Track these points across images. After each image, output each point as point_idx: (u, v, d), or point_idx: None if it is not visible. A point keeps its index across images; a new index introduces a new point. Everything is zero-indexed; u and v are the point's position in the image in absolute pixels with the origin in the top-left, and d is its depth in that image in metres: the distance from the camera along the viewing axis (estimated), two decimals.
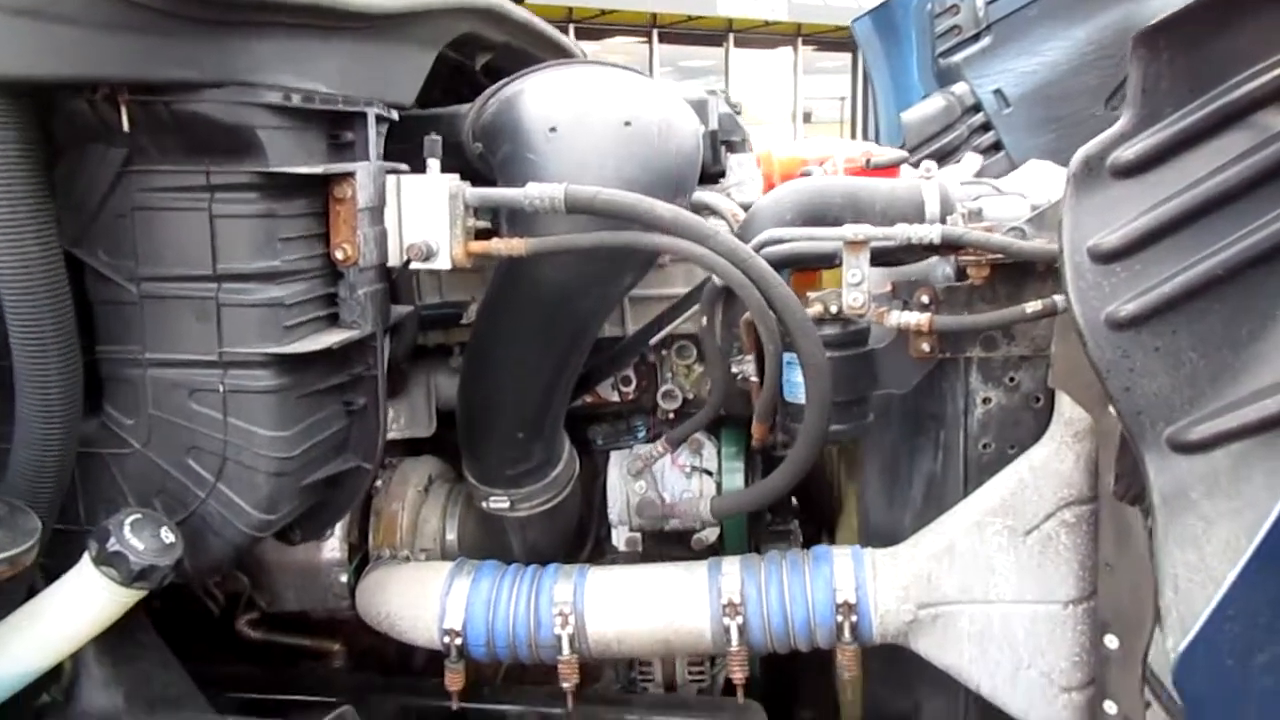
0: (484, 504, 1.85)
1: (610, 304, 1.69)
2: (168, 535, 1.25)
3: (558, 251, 1.46)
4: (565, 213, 1.41)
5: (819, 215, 1.63)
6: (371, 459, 1.52)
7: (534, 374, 1.69)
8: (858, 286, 1.49)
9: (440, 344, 2.00)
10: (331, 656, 2.12)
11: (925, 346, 1.57)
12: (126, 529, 1.21)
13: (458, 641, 1.64)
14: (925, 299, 1.54)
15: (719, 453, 1.94)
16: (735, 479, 1.91)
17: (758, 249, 1.51)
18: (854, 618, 1.56)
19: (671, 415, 2.03)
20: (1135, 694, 1.54)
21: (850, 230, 1.46)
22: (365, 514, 1.99)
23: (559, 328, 1.63)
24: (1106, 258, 1.16)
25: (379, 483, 2.02)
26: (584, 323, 1.65)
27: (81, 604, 1.22)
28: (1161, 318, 1.13)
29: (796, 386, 1.59)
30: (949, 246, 1.48)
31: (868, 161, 2.20)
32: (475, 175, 1.59)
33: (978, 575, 1.57)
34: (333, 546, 1.92)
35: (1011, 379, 1.60)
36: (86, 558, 1.22)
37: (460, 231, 1.45)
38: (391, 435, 2.04)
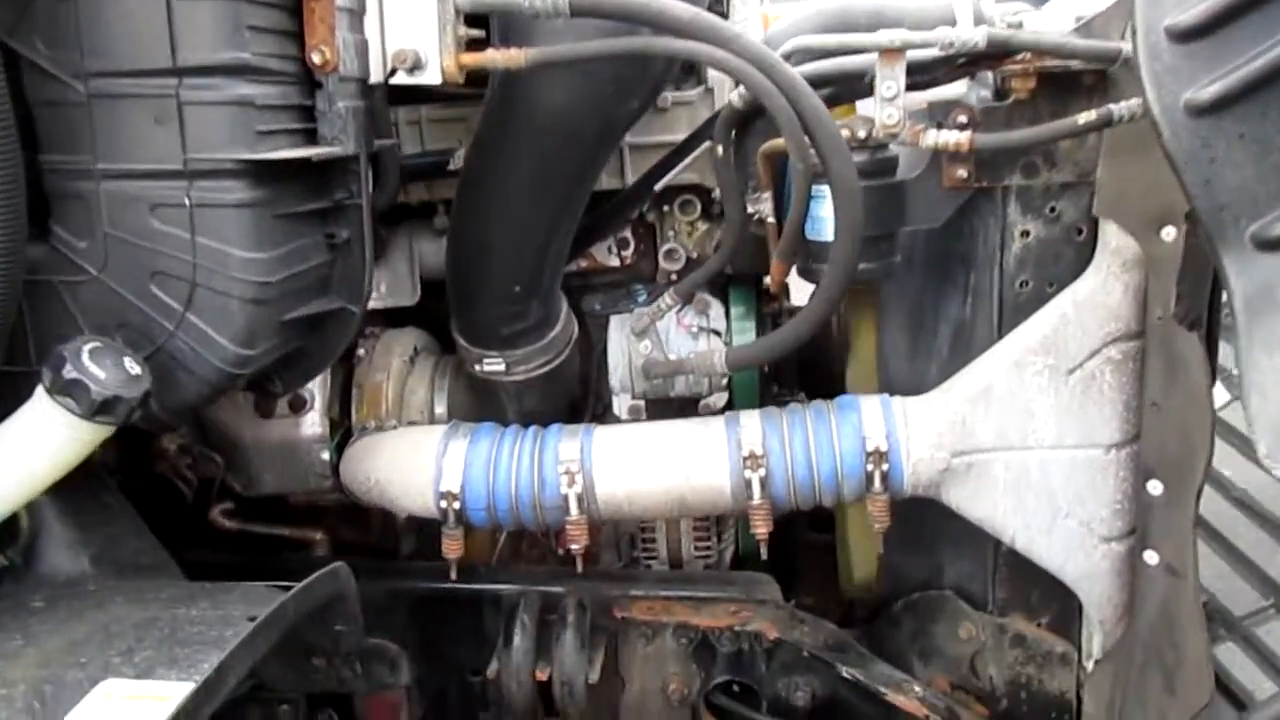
0: (476, 367, 1.71)
1: (616, 133, 1.54)
2: (133, 366, 1.10)
3: (562, 63, 1.31)
4: (569, 16, 1.25)
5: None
6: (357, 301, 1.37)
7: (531, 217, 1.54)
8: (892, 101, 1.35)
9: (423, 201, 1.84)
10: (313, 546, 1.99)
11: (961, 173, 1.44)
12: (85, 356, 1.06)
13: (455, 505, 1.51)
14: (963, 119, 1.41)
15: (728, 313, 1.81)
16: (746, 340, 1.78)
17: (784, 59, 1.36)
18: (885, 466, 1.45)
19: (674, 277, 1.89)
20: (1180, 542, 1.45)
21: (886, 36, 1.32)
22: (346, 387, 1.85)
23: (559, 162, 1.49)
24: (1186, 36, 1.02)
25: (360, 353, 1.87)
26: (586, 156, 1.50)
27: (37, 441, 1.07)
28: (1248, 100, 1.01)
29: (821, 222, 1.46)
30: (994, 55, 1.34)
31: None
32: None
33: (1015, 419, 1.47)
34: (313, 421, 1.79)
35: (1052, 209, 1.48)
36: (40, 389, 1.07)
37: (451, 40, 1.29)
38: (372, 305, 1.89)
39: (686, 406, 1.85)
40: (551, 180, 1.50)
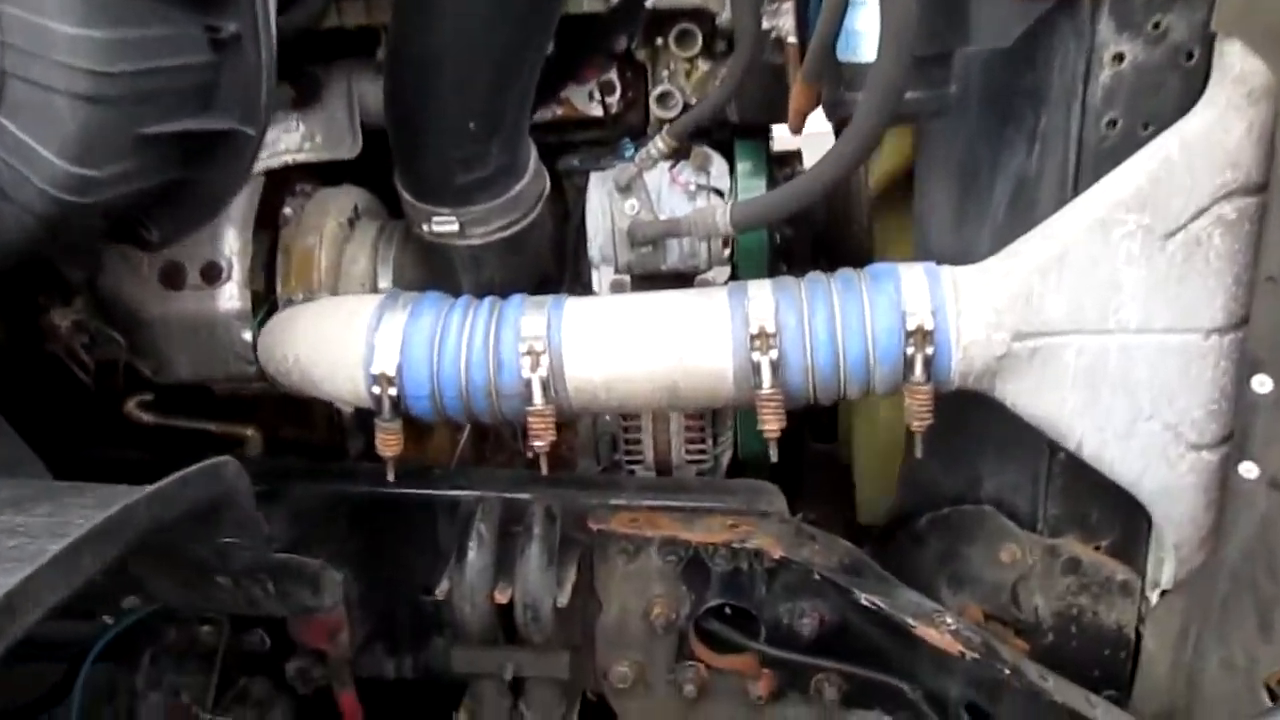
0: (424, 227, 1.40)
1: None
2: None
3: None
4: None
5: None
6: (253, 121, 1.05)
7: (489, 29, 1.21)
8: None
9: (363, 27, 1.50)
10: (245, 444, 1.70)
11: None
12: None
13: (391, 391, 1.22)
14: None
15: (732, 170, 1.49)
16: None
17: None
18: (929, 350, 1.15)
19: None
20: None
21: None
22: (272, 254, 1.54)
23: None
24: None
25: (288, 212, 1.56)
26: None
27: None
28: None
29: (858, 38, 1.13)
30: None
31: None
32: None
33: (1095, 294, 1.16)
34: (230, 294, 1.48)
35: (1156, 25, 1.15)
36: None
37: None
38: (304, 157, 1.57)
39: (680, 284, 1.55)
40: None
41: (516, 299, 1.26)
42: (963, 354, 1.16)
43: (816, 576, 1.38)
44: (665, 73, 1.55)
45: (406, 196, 1.41)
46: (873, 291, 1.18)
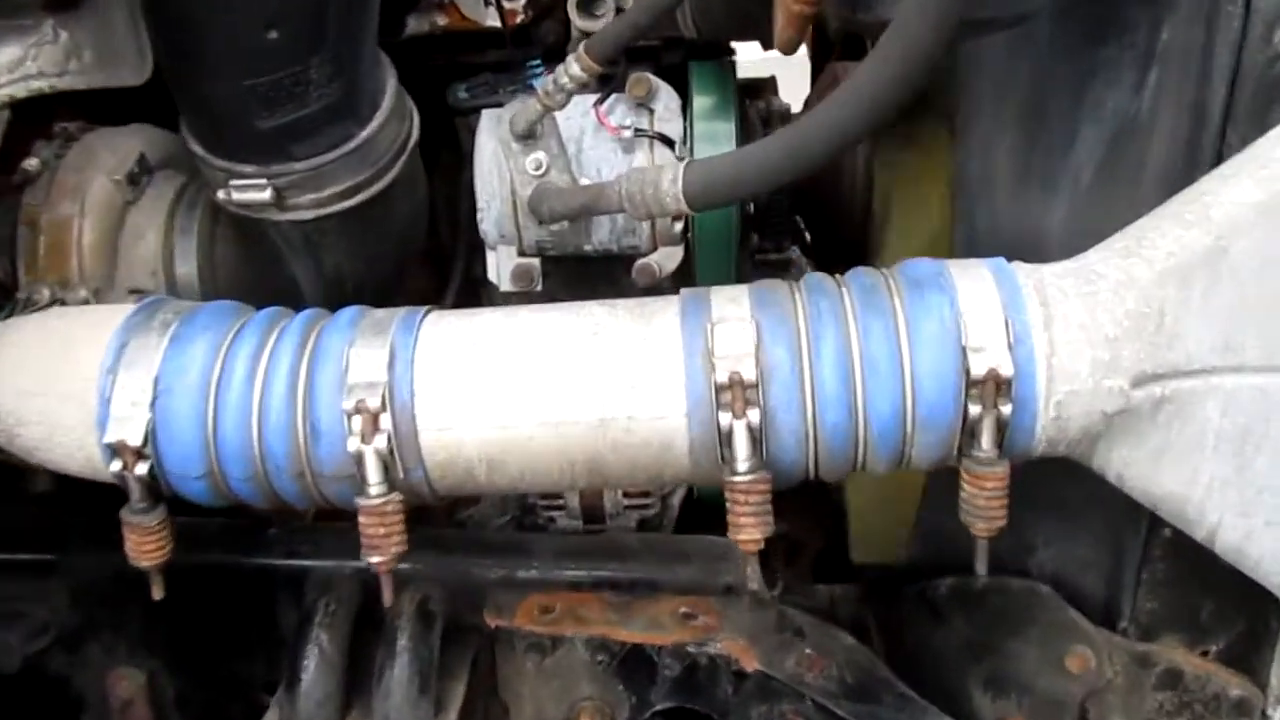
0: (221, 194, 0.92)
1: None
2: None
3: None
4: None
5: None
6: None
7: None
8: None
9: None
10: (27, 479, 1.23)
11: None
12: None
13: (141, 469, 0.75)
14: None
15: (686, 107, 1.03)
16: (719, 148, 1.00)
17: None
18: (1005, 407, 0.71)
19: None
20: None
21: None
22: (11, 227, 1.06)
23: None
24: None
25: (33, 162, 1.07)
26: None
27: None
28: None
29: None
30: None
31: None
32: None
33: (1264, 316, 0.73)
34: None
35: None
36: None
37: None
38: (66, 83, 1.07)
39: (612, 271, 1.09)
40: None
41: (344, 318, 0.79)
42: (1056, 412, 0.72)
43: (809, 701, 0.96)
44: None
45: (193, 145, 0.93)
46: (914, 309, 0.73)
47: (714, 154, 1.00)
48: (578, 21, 1.08)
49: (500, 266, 1.06)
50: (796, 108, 1.24)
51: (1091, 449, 0.77)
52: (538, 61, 1.13)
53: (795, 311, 0.74)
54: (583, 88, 0.87)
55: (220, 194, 0.92)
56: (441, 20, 1.12)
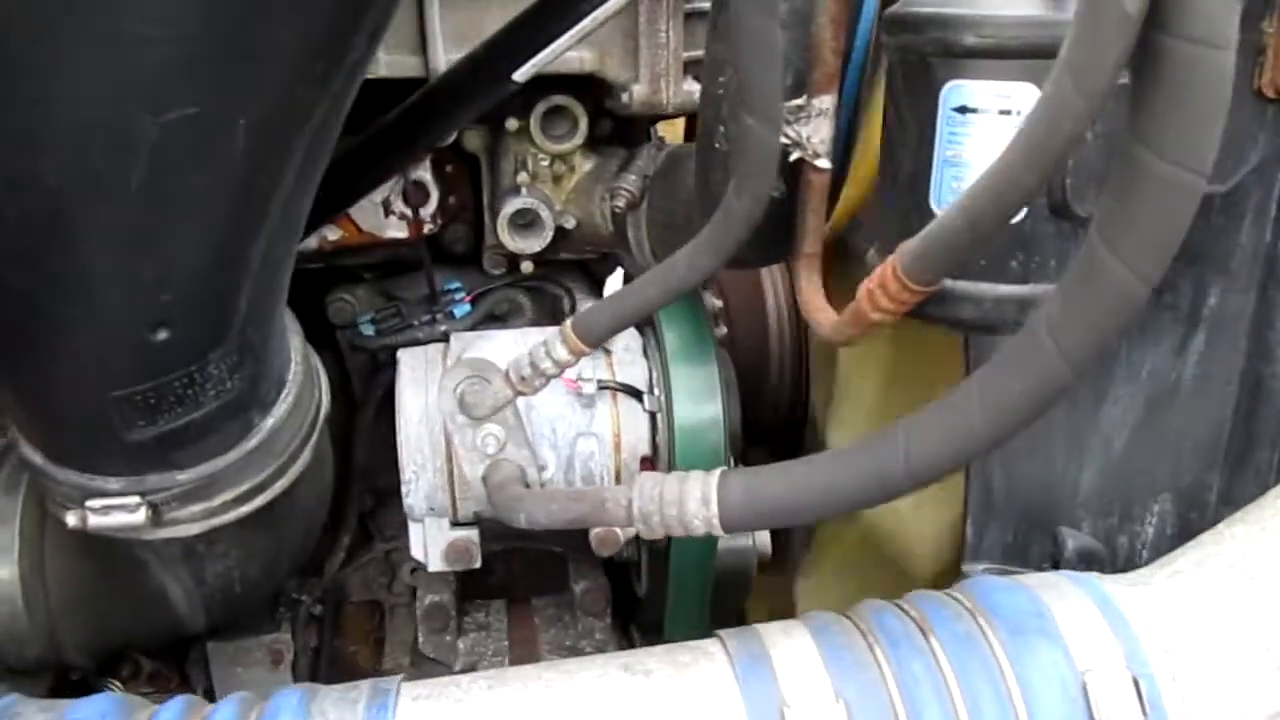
0: (73, 520, 0.68)
1: None
2: None
3: None
4: None
5: None
6: None
7: (196, 154, 0.52)
8: None
9: None
10: None
11: None
12: None
13: None
14: None
15: (658, 346, 0.87)
16: (701, 411, 0.85)
17: None
18: None
19: (529, 266, 0.93)
20: None
21: None
22: None
23: None
24: None
25: None
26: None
27: None
28: None
29: (961, 172, 0.56)
30: None
31: None
32: None
33: None
34: None
35: None
36: None
37: None
38: None
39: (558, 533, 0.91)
40: (236, 25, 0.49)
41: (287, 707, 0.57)
42: None
43: None
44: (522, 174, 0.90)
45: (28, 452, 0.69)
46: (1023, 668, 0.59)
47: (700, 408, 0.85)
48: (510, 242, 0.92)
49: (428, 542, 0.86)
50: None
51: None
52: (458, 285, 0.95)
53: (884, 680, 0.59)
54: (559, 371, 0.70)
55: (70, 518, 0.68)
56: (333, 235, 0.93)
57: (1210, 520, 0.74)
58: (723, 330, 1.10)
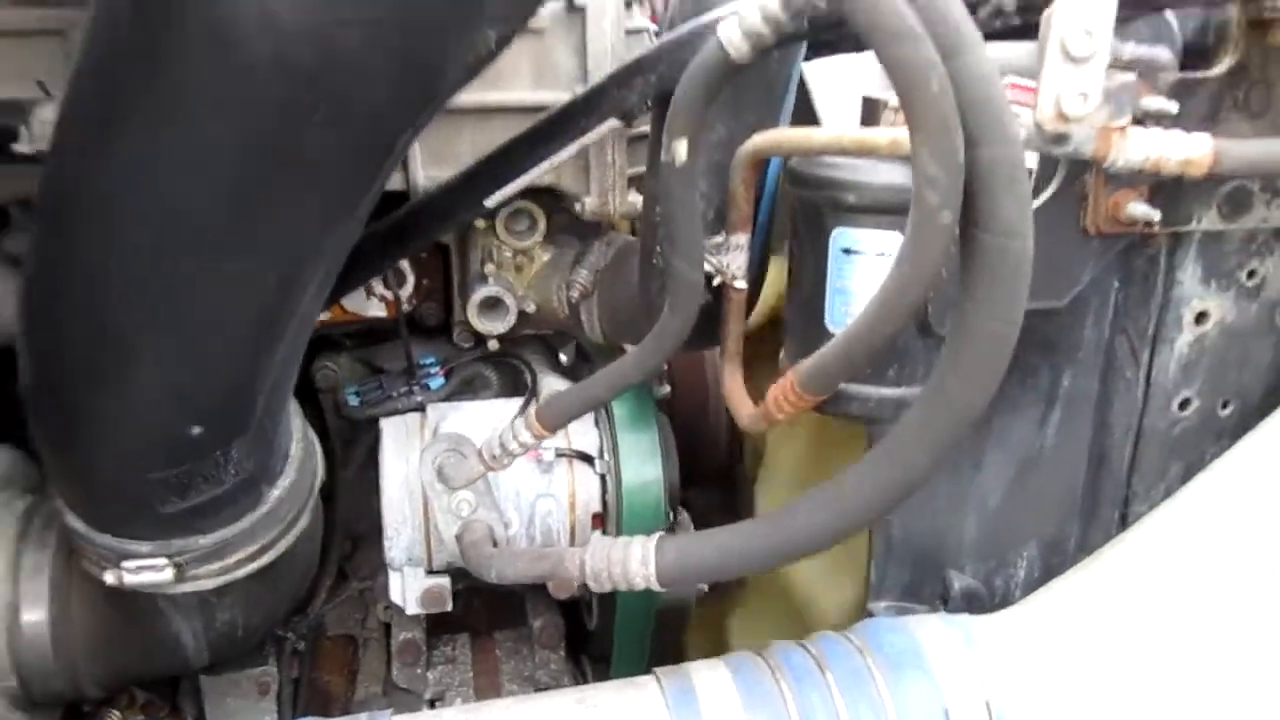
0: (109, 577, 0.81)
1: (434, 100, 0.68)
2: None
3: None
4: None
5: None
6: None
7: (231, 288, 0.65)
8: (1086, 65, 0.60)
9: None
10: None
11: (1137, 210, 0.73)
12: None
13: None
14: (1166, 104, 0.69)
15: (607, 417, 1.01)
16: (644, 472, 0.99)
17: None
18: None
19: (494, 343, 1.07)
20: None
21: None
22: None
23: (301, 171, 0.61)
24: None
25: None
26: (365, 152, 0.63)
27: None
28: None
29: (850, 299, 0.71)
30: None
31: None
32: None
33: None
34: None
35: (1252, 274, 0.81)
36: None
37: None
38: None
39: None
40: (283, 203, 0.62)
41: None
42: None
43: None
44: (489, 265, 1.04)
45: (73, 520, 0.81)
46: (899, 694, 0.74)
47: (643, 470, 0.99)
48: (477, 323, 1.05)
49: (406, 588, 0.99)
50: None
51: None
52: (433, 359, 1.08)
53: (787, 709, 0.73)
54: (522, 451, 0.83)
55: (108, 576, 0.80)
56: (322, 315, 1.05)
57: (1069, 565, 0.89)
58: (665, 389, 1.24)
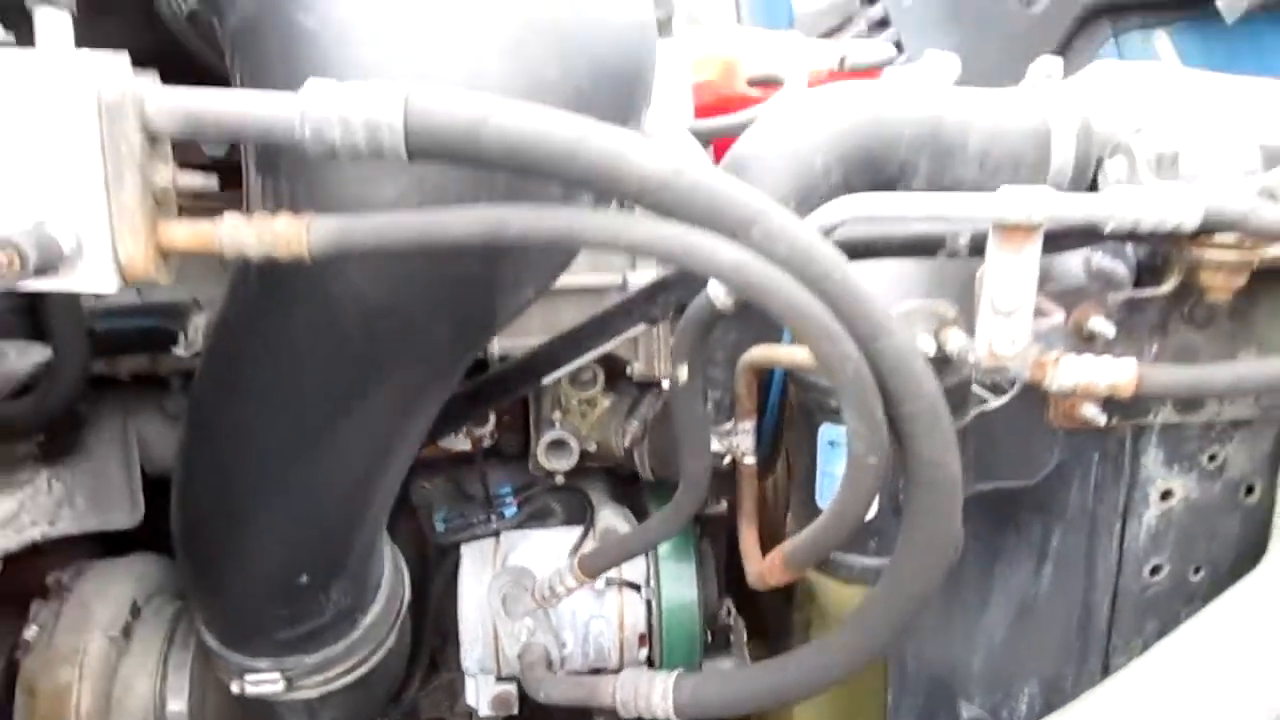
0: (234, 685, 1.00)
1: (489, 332, 0.86)
2: None
3: (380, 253, 0.61)
4: (405, 157, 0.56)
5: (878, 163, 0.84)
6: None
7: (330, 468, 0.84)
8: (1012, 317, 0.72)
9: (145, 374, 1.10)
10: None
11: (1089, 412, 0.84)
12: None
13: None
14: (1104, 327, 0.81)
15: (652, 550, 1.16)
16: (683, 598, 1.14)
17: (824, 233, 0.71)
18: None
19: (560, 479, 1.23)
20: None
21: (1011, 201, 0.70)
22: (9, 690, 1.09)
23: (383, 384, 0.79)
24: None
25: (33, 631, 1.12)
26: (435, 370, 0.81)
27: None
28: None
29: (834, 482, 0.84)
30: (1206, 233, 0.74)
31: (841, 64, 1.42)
32: (181, 61, 0.72)
33: None
34: None
35: (1213, 458, 0.91)
36: None
37: (140, 197, 0.57)
38: (60, 529, 1.15)
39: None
40: (368, 411, 0.80)
41: None
42: None
43: None
44: (556, 413, 1.21)
45: (209, 639, 1.00)
46: None
47: (682, 595, 1.14)
48: (544, 461, 1.22)
49: (479, 693, 1.16)
50: None
51: None
52: (508, 489, 1.25)
53: None
54: (568, 592, 0.99)
55: (234, 685, 0.99)
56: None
57: (1065, 702, 0.99)
58: (721, 506, 1.37)
